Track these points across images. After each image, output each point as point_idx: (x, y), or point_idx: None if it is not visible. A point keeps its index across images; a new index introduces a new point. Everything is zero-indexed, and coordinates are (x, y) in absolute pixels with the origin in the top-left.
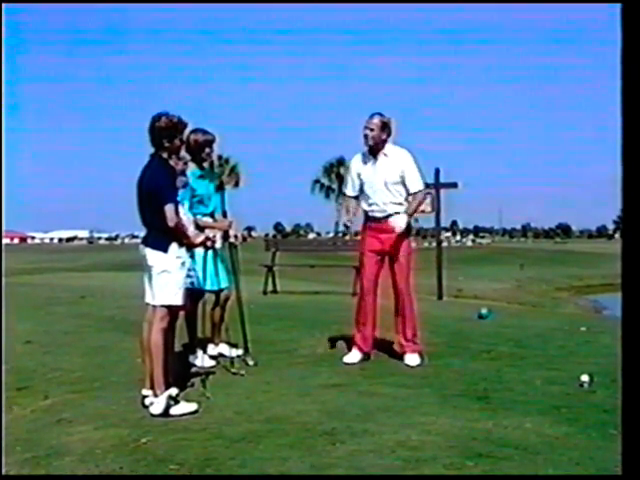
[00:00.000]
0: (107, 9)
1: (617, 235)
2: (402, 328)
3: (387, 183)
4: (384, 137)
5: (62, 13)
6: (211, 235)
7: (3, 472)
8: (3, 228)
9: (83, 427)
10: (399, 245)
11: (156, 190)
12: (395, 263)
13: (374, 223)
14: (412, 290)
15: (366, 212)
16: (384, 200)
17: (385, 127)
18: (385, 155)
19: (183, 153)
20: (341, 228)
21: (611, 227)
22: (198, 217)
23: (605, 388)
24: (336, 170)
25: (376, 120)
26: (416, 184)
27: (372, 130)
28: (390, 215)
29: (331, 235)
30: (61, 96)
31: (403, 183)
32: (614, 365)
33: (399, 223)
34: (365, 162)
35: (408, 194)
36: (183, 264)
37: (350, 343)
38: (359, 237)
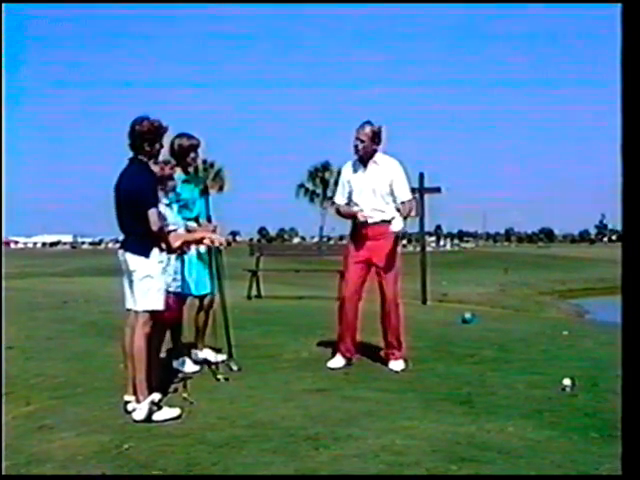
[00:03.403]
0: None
1: (605, 239)
2: (387, 334)
3: (375, 191)
4: (374, 147)
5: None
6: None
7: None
8: (3, 232)
9: (65, 433)
10: (385, 252)
11: (137, 195)
12: (381, 270)
13: (361, 230)
14: (399, 297)
15: (353, 220)
16: (371, 207)
17: (375, 137)
18: (375, 163)
19: (168, 157)
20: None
21: (593, 232)
22: (183, 222)
23: (587, 392)
24: (321, 175)
25: (367, 130)
26: (405, 194)
27: (363, 141)
28: (376, 222)
29: (316, 239)
30: (47, 99)
31: (391, 192)
32: (595, 369)
33: (395, 224)
34: (355, 170)
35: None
36: (165, 269)
37: (334, 348)
38: (344, 241)
